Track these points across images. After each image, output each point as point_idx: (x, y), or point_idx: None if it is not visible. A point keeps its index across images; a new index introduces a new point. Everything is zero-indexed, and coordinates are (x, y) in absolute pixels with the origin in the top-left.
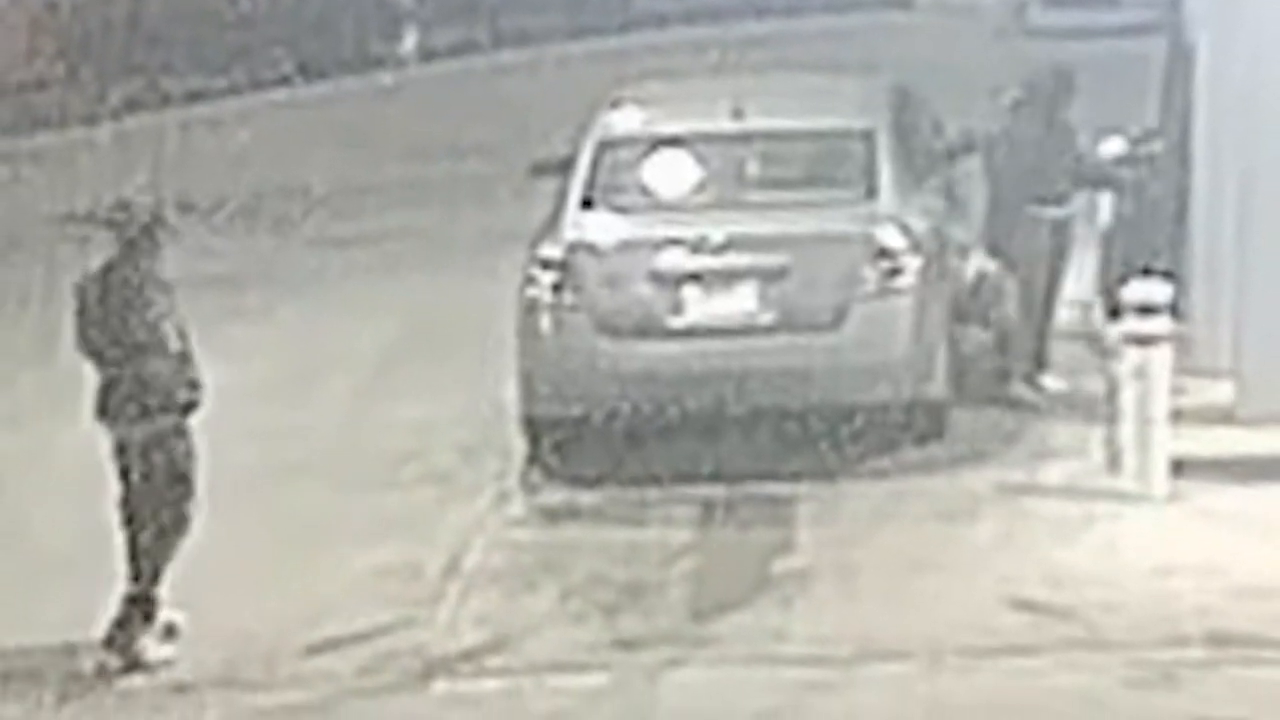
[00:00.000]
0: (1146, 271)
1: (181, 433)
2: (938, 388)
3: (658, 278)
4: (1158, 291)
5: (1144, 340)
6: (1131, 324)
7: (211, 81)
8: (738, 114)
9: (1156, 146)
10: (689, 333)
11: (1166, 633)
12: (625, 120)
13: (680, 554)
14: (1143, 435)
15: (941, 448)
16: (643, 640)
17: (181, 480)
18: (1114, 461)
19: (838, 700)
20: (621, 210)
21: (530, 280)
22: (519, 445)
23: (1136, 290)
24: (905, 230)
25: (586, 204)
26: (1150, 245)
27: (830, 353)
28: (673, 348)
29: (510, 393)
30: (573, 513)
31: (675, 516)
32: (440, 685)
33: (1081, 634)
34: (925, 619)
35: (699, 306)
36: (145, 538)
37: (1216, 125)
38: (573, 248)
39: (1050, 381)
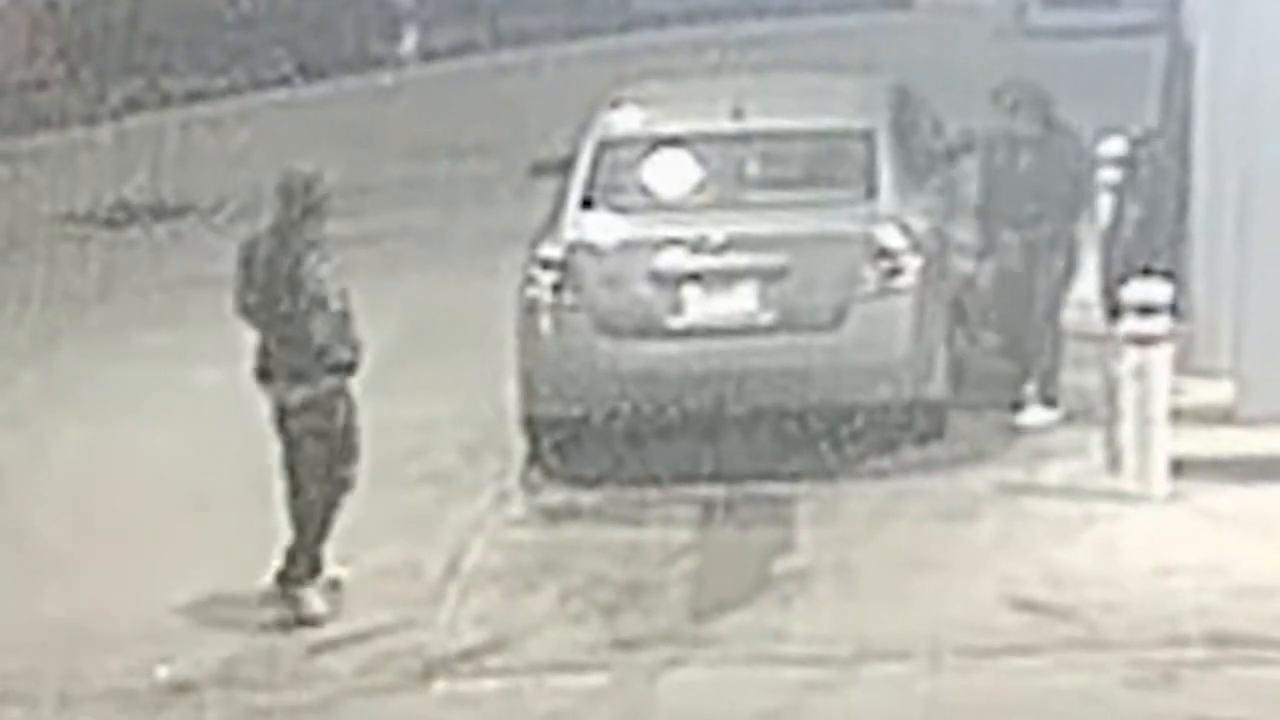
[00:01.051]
0: (1146, 271)
1: (343, 393)
2: (938, 388)
3: (658, 278)
4: (1158, 291)
5: (1144, 340)
6: (1131, 324)
7: (211, 81)
8: (737, 114)
9: (1157, 146)
10: (689, 333)
11: (1167, 633)
12: (625, 120)
13: (680, 554)
14: (1143, 435)
15: (941, 448)
16: (642, 640)
17: (345, 439)
18: (1114, 461)
19: (838, 700)
20: (621, 210)
21: (530, 280)
22: (519, 445)
23: (1136, 290)
24: (905, 230)
25: (586, 204)
26: (1150, 245)
27: (830, 353)
28: (673, 348)
29: (510, 393)
30: (573, 512)
31: (675, 516)
32: (440, 685)
33: (1082, 634)
34: (925, 619)
35: (699, 306)
36: (309, 496)
37: (1216, 125)
38: (573, 248)
39: (1035, 415)
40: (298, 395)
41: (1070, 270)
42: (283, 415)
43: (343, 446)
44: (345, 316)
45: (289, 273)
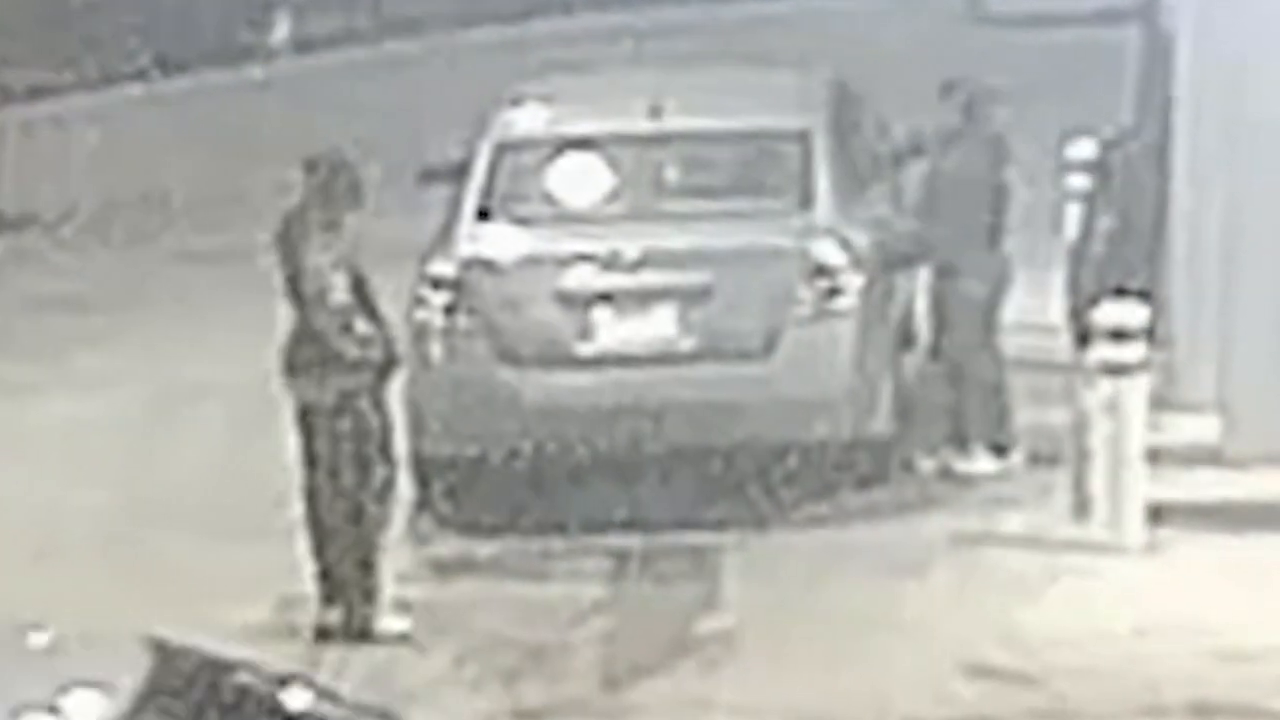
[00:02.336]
0: (1120, 291)
1: (358, 395)
2: (882, 423)
3: (564, 298)
4: (1133, 314)
5: (1117, 369)
6: (1103, 351)
7: (58, 75)
8: (655, 112)
9: (1131, 149)
10: (600, 361)
11: (1144, 702)
12: (527, 120)
13: (590, 612)
14: (1115, 478)
15: (887, 492)
16: (548, 710)
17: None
18: (1083, 508)
19: None
20: (523, 222)
21: (420, 301)
22: (406, 488)
23: (1109, 313)
24: (845, 245)
25: (483, 215)
26: (1124, 261)
27: (760, 384)
28: (581, 378)
29: (398, 429)
30: (468, 565)
31: (585, 570)
32: None
33: (1047, 704)
34: (869, 686)
35: (611, 331)
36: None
37: (1199, 124)
38: (468, 264)
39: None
40: (310, 394)
41: (1000, 288)
42: (301, 415)
43: (358, 456)
44: (351, 310)
45: (286, 261)
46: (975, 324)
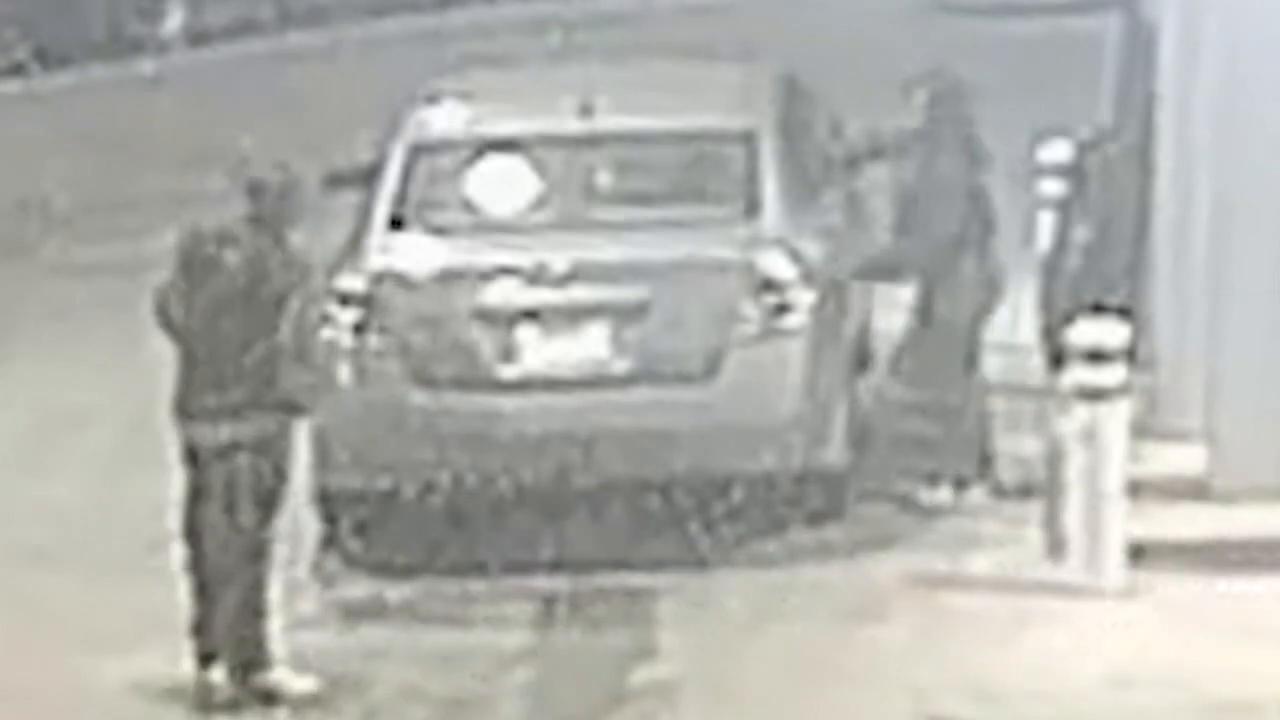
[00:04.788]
0: (1098, 308)
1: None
2: (836, 453)
3: (486, 316)
4: (1111, 333)
5: (1094, 394)
6: (1079, 374)
7: None
8: (585, 111)
9: (1110, 152)
10: (525, 385)
11: None
12: (444, 119)
13: (514, 661)
14: (1092, 513)
15: (841, 529)
16: None
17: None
18: (1057, 546)
19: None
20: (440, 231)
21: (325, 319)
22: (311, 525)
23: (1086, 332)
24: (795, 257)
25: (396, 223)
26: (1102, 275)
27: (701, 410)
28: (505, 403)
29: (300, 459)
30: (379, 610)
31: (508, 615)
32: None
33: None
34: None
35: (537, 352)
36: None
37: (1185, 125)
38: (379, 278)
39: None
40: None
41: (989, 305)
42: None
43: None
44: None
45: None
46: (955, 346)
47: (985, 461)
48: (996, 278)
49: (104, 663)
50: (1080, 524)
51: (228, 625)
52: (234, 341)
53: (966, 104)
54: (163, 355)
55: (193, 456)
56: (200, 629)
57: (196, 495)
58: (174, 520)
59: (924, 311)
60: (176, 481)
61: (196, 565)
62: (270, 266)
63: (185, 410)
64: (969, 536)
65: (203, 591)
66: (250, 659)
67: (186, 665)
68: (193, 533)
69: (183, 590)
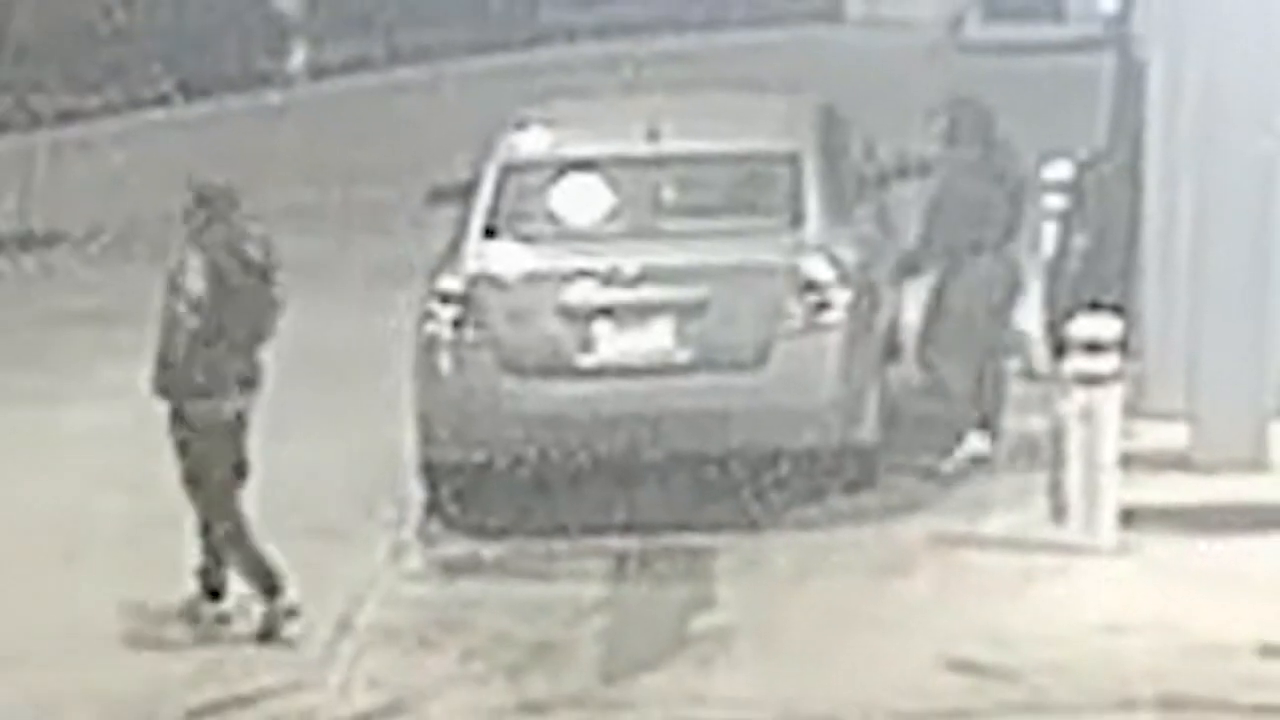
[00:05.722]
0: (1094, 306)
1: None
2: (868, 431)
3: (566, 312)
4: (1106, 327)
5: (1091, 380)
6: (1078, 362)
7: (84, 100)
8: (653, 135)
9: (1105, 170)
10: (600, 372)
11: (1116, 695)
12: (531, 142)
13: (591, 611)
14: (1090, 482)
15: (873, 496)
16: (550, 704)
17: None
18: (1059, 511)
19: None
20: (527, 240)
21: (429, 315)
22: (416, 493)
23: (1083, 326)
24: (833, 261)
25: (489, 233)
26: (1098, 277)
27: (752, 394)
28: (583, 388)
29: (407, 437)
30: (475, 566)
31: (586, 570)
32: None
33: (1025, 697)
34: (855, 681)
35: (611, 344)
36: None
37: (1170, 147)
38: (474, 280)
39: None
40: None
41: (1012, 297)
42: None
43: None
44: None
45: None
46: (969, 337)
47: (995, 436)
48: (1013, 277)
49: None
50: (1079, 491)
51: (250, 558)
52: (228, 329)
53: (986, 127)
54: (292, 348)
55: (189, 426)
56: (207, 570)
57: (202, 459)
58: (304, 488)
59: (936, 307)
60: (307, 455)
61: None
62: (229, 268)
63: (190, 387)
64: (984, 501)
65: (208, 536)
66: (269, 585)
67: (314, 610)
68: (196, 489)
69: (309, 547)
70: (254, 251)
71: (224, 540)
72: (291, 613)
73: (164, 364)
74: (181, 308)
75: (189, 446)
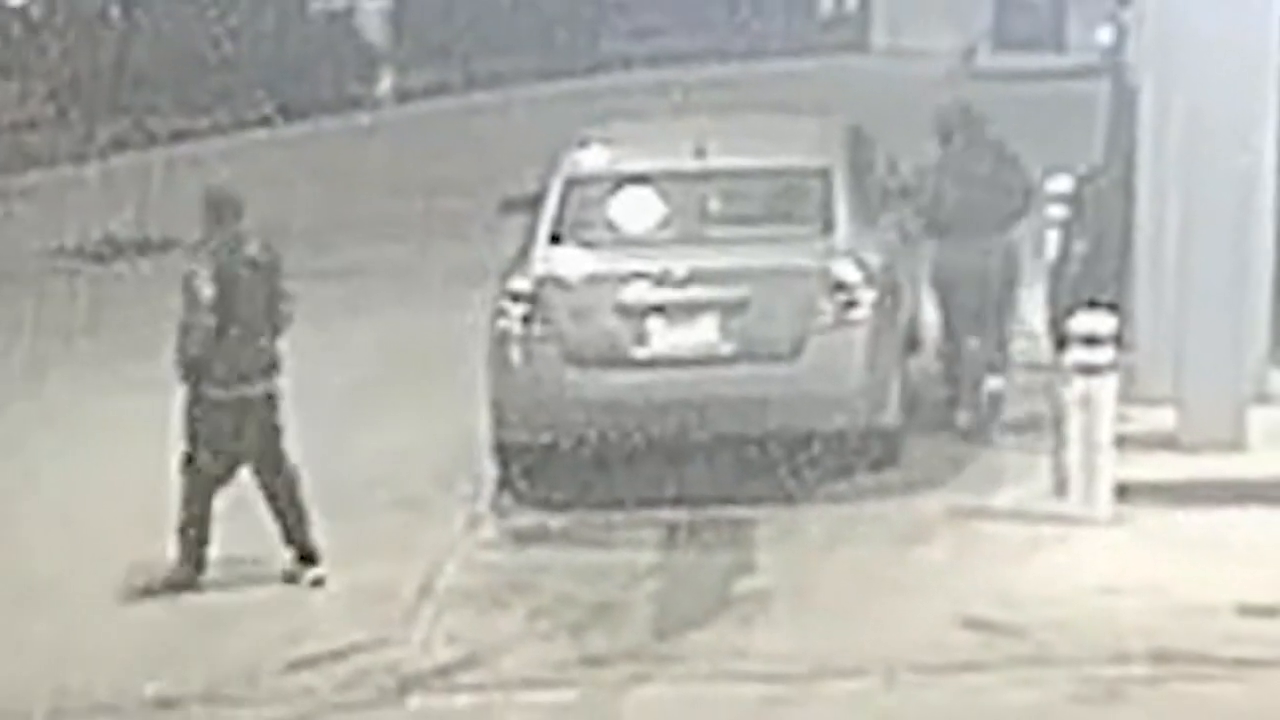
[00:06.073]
0: (1092, 304)
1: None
2: (891, 415)
3: (623, 310)
4: (1103, 323)
5: (1089, 370)
6: (1077, 354)
7: (195, 121)
8: (700, 153)
9: (1101, 184)
10: (653, 363)
11: (1112, 650)
12: (592, 158)
13: (645, 575)
14: (1088, 460)
15: (895, 473)
16: (609, 658)
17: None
18: (1061, 486)
19: (797, 715)
20: (588, 245)
21: (501, 312)
22: (490, 470)
23: (1082, 322)
24: (860, 264)
25: (555, 239)
26: (1096, 279)
27: (788, 382)
28: (638, 377)
29: (482, 420)
30: (542, 535)
31: (640, 539)
32: (415, 701)
33: (1030, 651)
34: (880, 637)
35: (663, 337)
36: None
37: (1158, 164)
38: (541, 281)
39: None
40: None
41: (1016, 274)
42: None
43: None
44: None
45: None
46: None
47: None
48: (1012, 259)
49: (331, 574)
50: (1078, 469)
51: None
52: (239, 323)
53: (977, 128)
54: (379, 341)
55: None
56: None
57: (212, 437)
58: (390, 466)
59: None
60: (392, 435)
61: (195, 490)
62: (233, 267)
63: (210, 376)
64: (994, 477)
65: (190, 507)
66: (195, 556)
67: (399, 573)
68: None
69: (394, 519)
70: (255, 251)
71: (183, 507)
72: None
73: (184, 358)
74: (196, 310)
75: (205, 429)
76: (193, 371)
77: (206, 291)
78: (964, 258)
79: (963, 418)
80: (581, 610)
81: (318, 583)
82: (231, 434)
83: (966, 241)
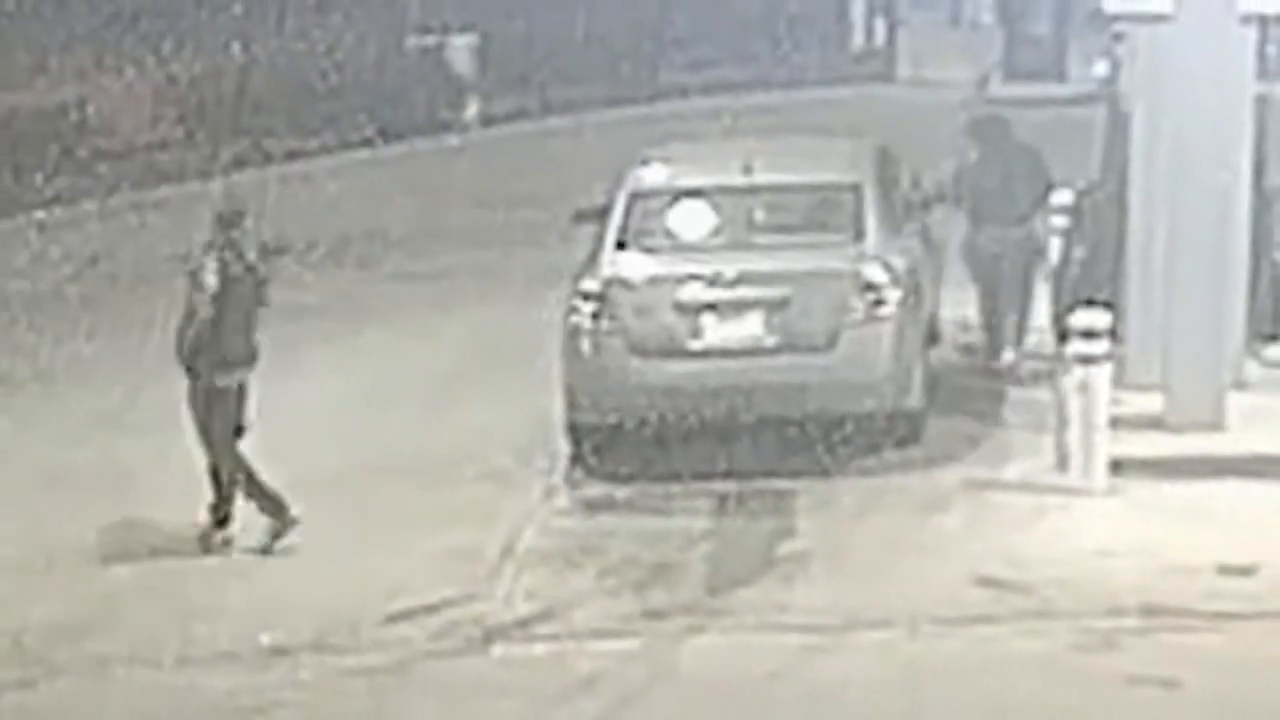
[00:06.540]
0: (1090, 302)
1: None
2: (915, 399)
3: (680, 307)
4: (1099, 319)
5: (1087, 360)
6: (1077, 346)
7: (306, 143)
8: (747, 170)
9: (1098, 197)
10: (706, 353)
11: (1107, 605)
12: (653, 175)
13: (699, 539)
14: (1086, 439)
15: (918, 450)
16: (668, 611)
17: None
18: (1063, 462)
19: (832, 662)
20: (650, 250)
21: (573, 309)
22: (564, 448)
23: (1081, 318)
24: (887, 267)
25: (620, 245)
26: (1093, 280)
27: (824, 370)
28: (692, 366)
29: (556, 404)
30: (609, 504)
31: (695, 507)
32: (498, 649)
33: (1035, 606)
34: (904, 593)
35: (714, 331)
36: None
37: (1149, 180)
38: (609, 282)
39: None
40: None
41: (1039, 251)
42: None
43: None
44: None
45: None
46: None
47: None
48: (1035, 243)
49: (425, 537)
50: (1078, 446)
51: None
52: (231, 315)
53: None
54: (467, 335)
55: (204, 392)
56: (218, 505)
57: (211, 417)
58: (477, 444)
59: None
60: (478, 417)
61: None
62: (233, 265)
63: (207, 362)
64: (1005, 454)
65: (217, 477)
66: (275, 508)
67: (485, 537)
68: (207, 441)
69: (480, 489)
70: (251, 255)
71: (231, 480)
72: (283, 531)
73: (185, 344)
74: (199, 299)
75: (203, 407)
76: (191, 355)
77: (211, 281)
78: (1000, 234)
79: (1006, 357)
80: (643, 570)
81: (227, 542)
82: (221, 412)
83: (1000, 222)
